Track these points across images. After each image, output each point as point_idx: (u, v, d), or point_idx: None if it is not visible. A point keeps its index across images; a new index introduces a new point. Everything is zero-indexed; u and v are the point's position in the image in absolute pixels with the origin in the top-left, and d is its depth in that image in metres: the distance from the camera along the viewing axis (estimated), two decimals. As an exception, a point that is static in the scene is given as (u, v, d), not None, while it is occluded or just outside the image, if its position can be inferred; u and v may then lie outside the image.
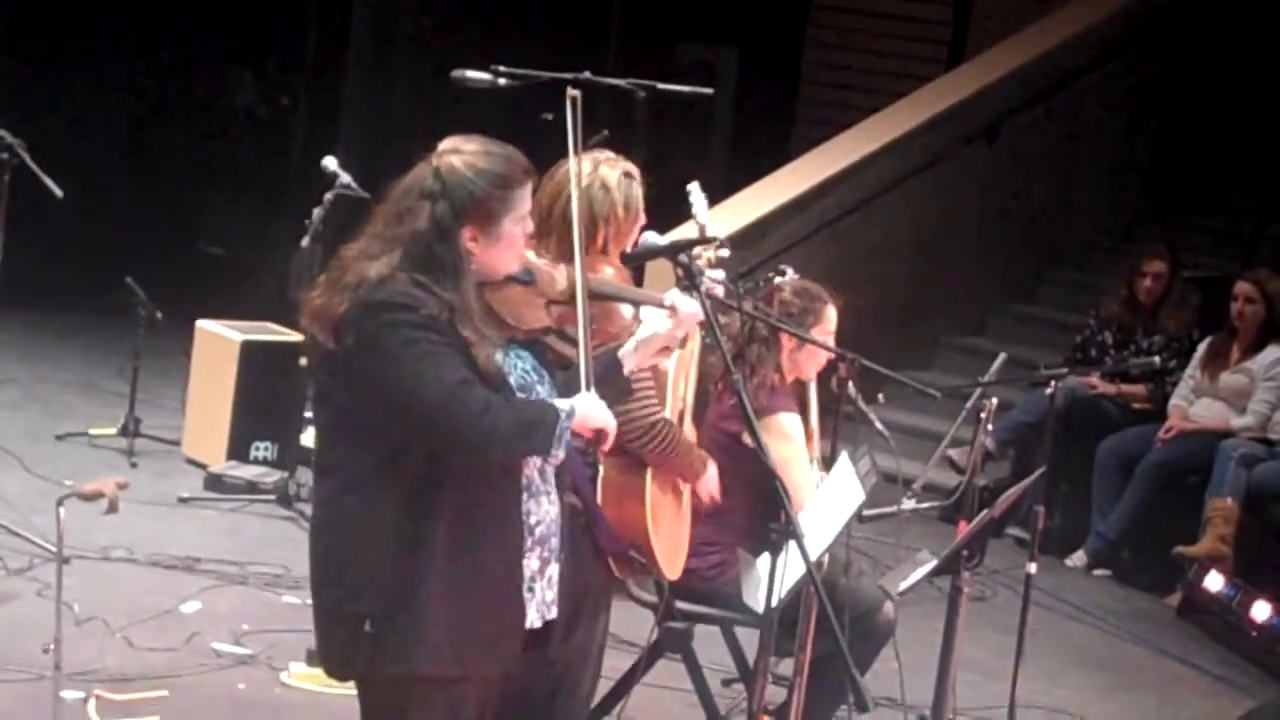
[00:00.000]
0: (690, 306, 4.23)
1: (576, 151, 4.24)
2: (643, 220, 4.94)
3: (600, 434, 3.89)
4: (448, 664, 3.77)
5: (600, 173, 4.90)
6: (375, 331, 3.65)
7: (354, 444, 3.74)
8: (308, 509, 7.93)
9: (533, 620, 3.91)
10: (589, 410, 3.84)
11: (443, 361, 3.66)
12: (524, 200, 3.84)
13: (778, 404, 5.56)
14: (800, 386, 5.75)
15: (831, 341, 5.61)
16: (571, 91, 4.25)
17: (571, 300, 4.01)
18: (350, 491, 3.73)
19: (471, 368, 3.69)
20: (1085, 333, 9.70)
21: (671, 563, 5.03)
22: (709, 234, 5.29)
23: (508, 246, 3.85)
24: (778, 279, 5.73)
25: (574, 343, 4.01)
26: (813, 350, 5.61)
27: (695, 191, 5.39)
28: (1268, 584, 8.00)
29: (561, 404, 3.81)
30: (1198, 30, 12.11)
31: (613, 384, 4.14)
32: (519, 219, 3.84)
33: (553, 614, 3.99)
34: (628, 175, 4.96)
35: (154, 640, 6.24)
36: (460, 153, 3.79)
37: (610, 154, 5.02)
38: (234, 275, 12.39)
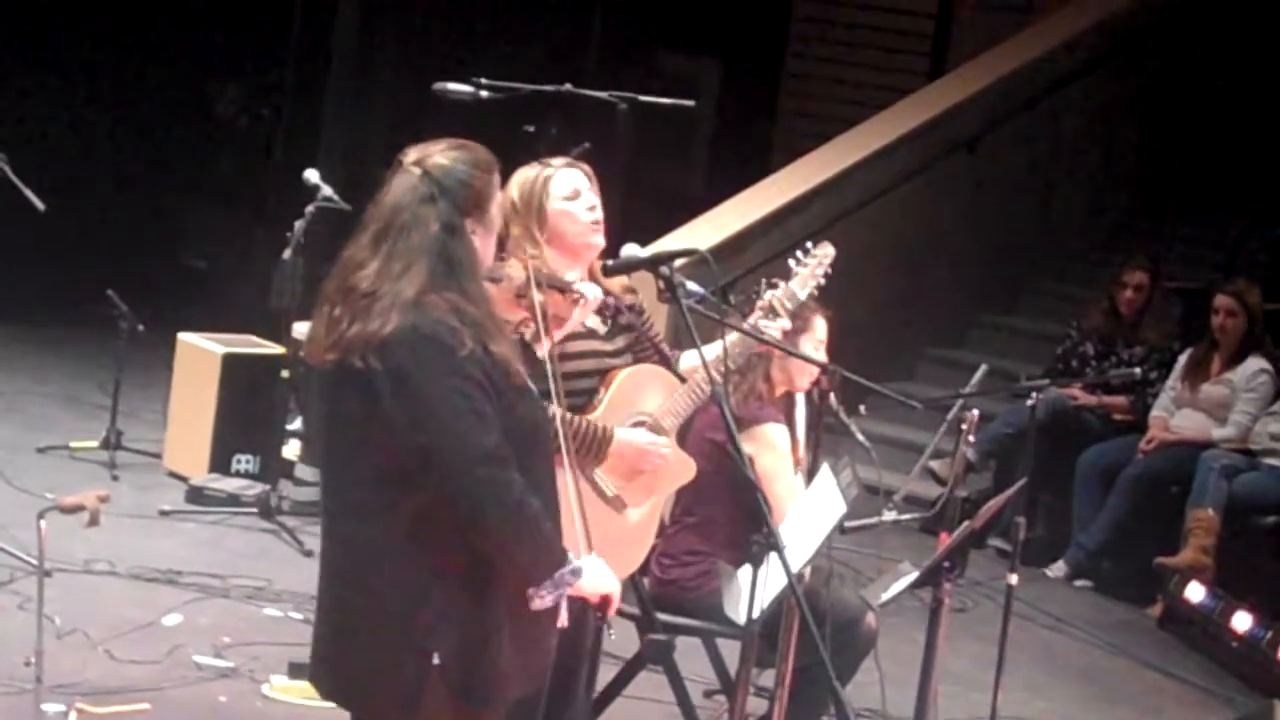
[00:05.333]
0: (593, 291, 4.51)
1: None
2: (578, 211, 4.82)
3: (605, 600, 3.83)
4: (514, 685, 3.73)
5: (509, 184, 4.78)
6: (416, 369, 3.55)
7: (403, 482, 3.60)
8: (289, 521, 7.95)
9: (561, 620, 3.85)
10: (595, 579, 3.78)
11: (481, 422, 3.56)
12: (499, 186, 3.82)
13: (765, 414, 5.56)
14: (788, 398, 5.74)
15: (824, 350, 5.61)
16: None
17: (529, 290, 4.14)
18: (415, 532, 3.60)
19: (507, 409, 3.61)
20: (1066, 344, 9.70)
21: None
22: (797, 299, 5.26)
23: (494, 236, 3.82)
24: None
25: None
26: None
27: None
28: (1249, 594, 8.01)
29: (571, 557, 3.71)
30: (1179, 41, 12.14)
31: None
32: (499, 205, 3.82)
33: None
34: (542, 163, 4.84)
35: (135, 653, 6.22)
36: (434, 153, 3.73)
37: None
38: (215, 287, 12.36)
